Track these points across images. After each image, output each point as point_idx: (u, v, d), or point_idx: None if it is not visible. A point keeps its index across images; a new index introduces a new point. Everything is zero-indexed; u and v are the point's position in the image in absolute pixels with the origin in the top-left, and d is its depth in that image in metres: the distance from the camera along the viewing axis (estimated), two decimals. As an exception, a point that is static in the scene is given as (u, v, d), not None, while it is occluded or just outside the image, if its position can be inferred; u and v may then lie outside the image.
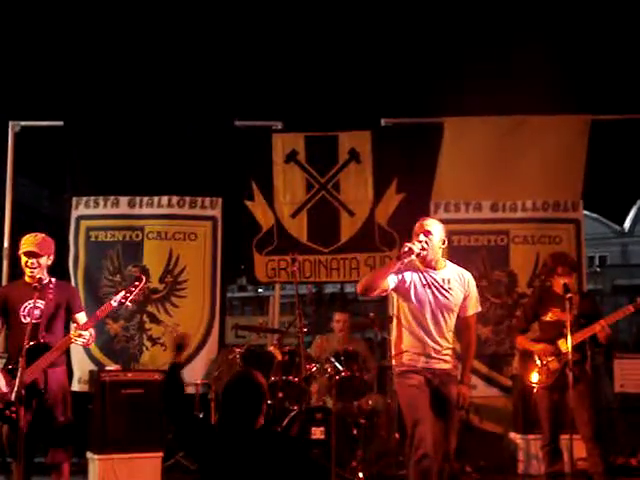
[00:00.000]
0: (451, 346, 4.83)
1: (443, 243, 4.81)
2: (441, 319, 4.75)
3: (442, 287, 4.76)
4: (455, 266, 4.93)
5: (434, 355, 4.74)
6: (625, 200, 34.52)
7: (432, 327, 4.73)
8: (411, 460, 4.59)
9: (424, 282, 4.75)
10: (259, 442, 3.56)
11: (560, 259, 5.84)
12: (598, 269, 31.62)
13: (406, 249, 4.56)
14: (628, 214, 37.56)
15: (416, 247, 4.60)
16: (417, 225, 4.82)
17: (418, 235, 4.73)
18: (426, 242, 4.69)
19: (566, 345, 5.36)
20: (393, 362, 4.89)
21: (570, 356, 5.23)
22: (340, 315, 7.32)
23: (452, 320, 4.82)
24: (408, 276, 4.75)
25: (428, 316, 4.72)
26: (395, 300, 4.87)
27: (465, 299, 4.85)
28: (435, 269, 4.79)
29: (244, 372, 4.04)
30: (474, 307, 4.92)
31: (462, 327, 4.91)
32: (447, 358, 4.79)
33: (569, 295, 5.32)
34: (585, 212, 7.96)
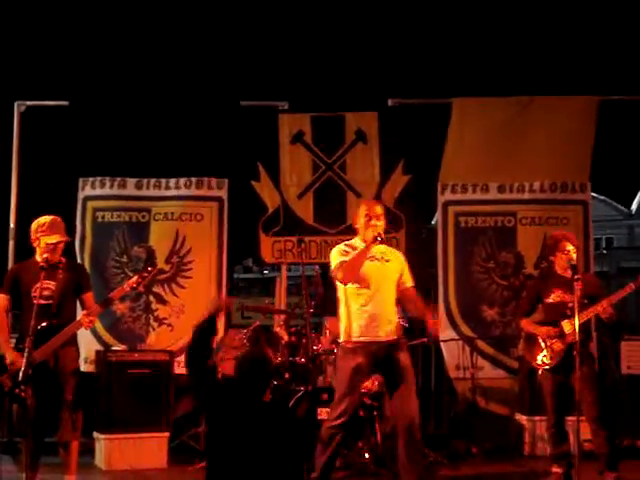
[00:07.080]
0: (396, 318, 5.03)
1: None
2: (386, 289, 4.99)
3: (383, 258, 5.05)
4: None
5: (381, 327, 4.92)
6: (633, 182, 34.30)
7: (378, 299, 4.94)
8: (328, 423, 4.94)
9: (369, 255, 4.97)
10: (265, 414, 3.81)
11: (564, 235, 5.82)
12: (604, 251, 31.50)
13: (379, 239, 4.89)
14: (635, 196, 37.42)
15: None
16: (368, 208, 5.10)
17: (373, 219, 5.01)
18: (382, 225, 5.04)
19: (570, 326, 5.35)
20: (341, 339, 5.05)
21: (576, 337, 5.21)
22: None
23: (394, 291, 5.04)
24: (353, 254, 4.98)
25: (374, 287, 4.94)
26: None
27: (401, 274, 5.09)
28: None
29: (256, 349, 4.21)
30: (410, 279, 5.14)
31: (408, 299, 5.12)
32: (393, 329, 4.98)
33: (577, 276, 5.29)
34: (592, 194, 7.92)
